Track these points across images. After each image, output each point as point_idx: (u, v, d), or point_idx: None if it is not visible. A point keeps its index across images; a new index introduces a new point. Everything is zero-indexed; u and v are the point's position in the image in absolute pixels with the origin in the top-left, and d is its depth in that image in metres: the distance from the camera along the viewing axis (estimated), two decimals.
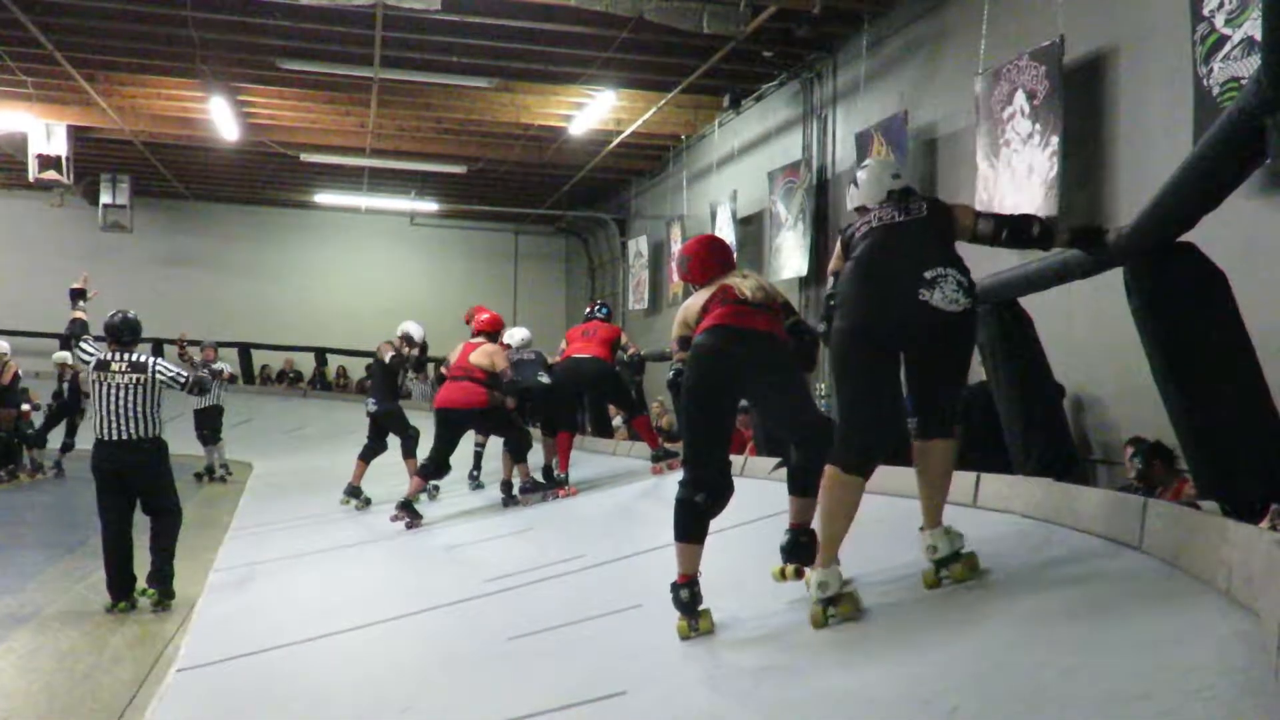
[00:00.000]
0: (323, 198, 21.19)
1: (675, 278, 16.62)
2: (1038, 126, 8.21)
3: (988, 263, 7.83)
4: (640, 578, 5.49)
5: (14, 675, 5.38)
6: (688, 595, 4.15)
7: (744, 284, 4.39)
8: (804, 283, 12.63)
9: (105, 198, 19.79)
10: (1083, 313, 7.73)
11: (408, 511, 8.60)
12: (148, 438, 6.86)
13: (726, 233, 14.43)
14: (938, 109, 10.26)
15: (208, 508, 11.17)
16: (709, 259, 4.62)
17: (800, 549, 4.26)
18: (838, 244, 4.22)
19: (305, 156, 17.44)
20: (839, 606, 3.84)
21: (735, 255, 4.83)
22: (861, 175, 4.29)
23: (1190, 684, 2.43)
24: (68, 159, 15.63)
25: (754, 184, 13.98)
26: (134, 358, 6.93)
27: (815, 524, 4.07)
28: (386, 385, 10.51)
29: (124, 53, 13.41)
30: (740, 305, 4.30)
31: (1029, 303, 5.76)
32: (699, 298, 4.47)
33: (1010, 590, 3.68)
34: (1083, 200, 8.09)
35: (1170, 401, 4.08)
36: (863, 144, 10.95)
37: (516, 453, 8.92)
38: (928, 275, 3.70)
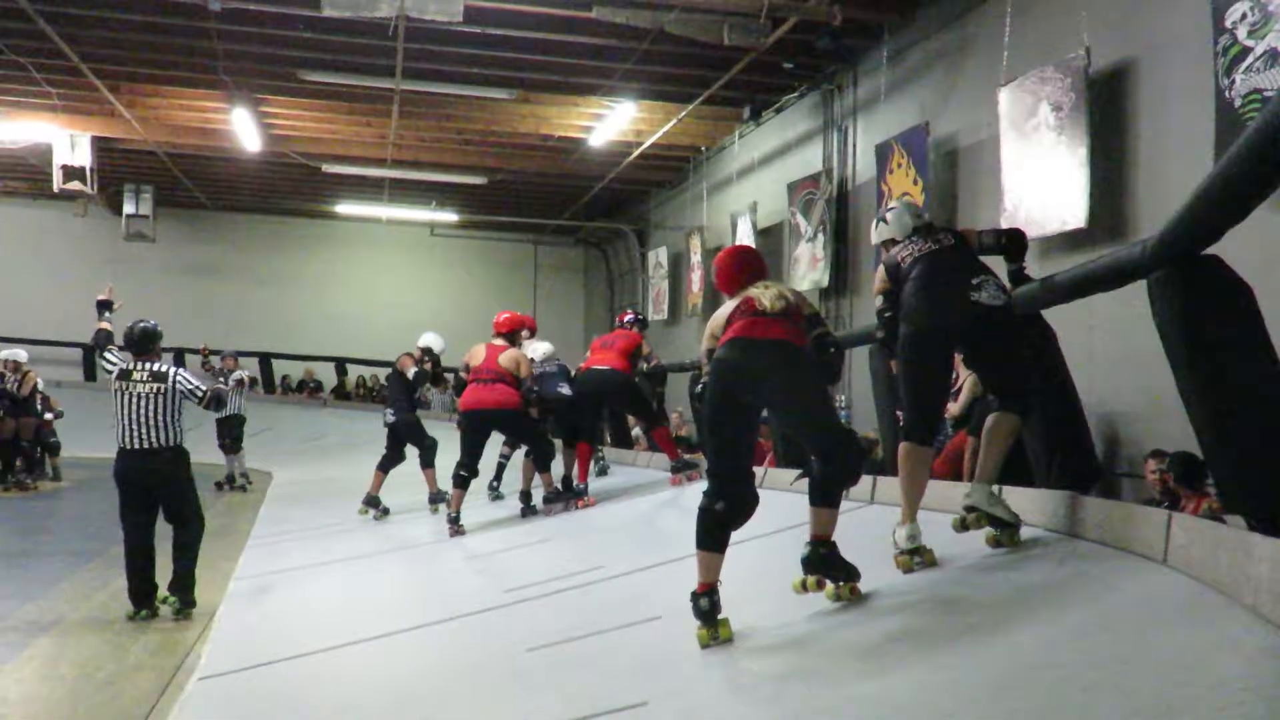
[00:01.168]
0: (343, 208, 21.29)
1: (695, 289, 16.66)
2: (1063, 138, 8.18)
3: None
4: (660, 589, 5.48)
5: (36, 682, 5.41)
6: (707, 604, 4.20)
7: (764, 294, 4.48)
8: (824, 294, 12.62)
9: (128, 208, 19.96)
10: (1104, 326, 7.70)
11: (453, 524, 8.61)
12: (169, 446, 6.94)
13: (746, 243, 14.43)
14: (959, 120, 10.23)
15: (228, 517, 11.21)
16: (735, 270, 4.72)
17: (821, 561, 4.34)
18: (881, 270, 5.02)
19: (326, 167, 17.54)
20: (924, 555, 4.57)
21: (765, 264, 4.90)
22: (890, 215, 5.14)
23: (1217, 699, 2.41)
24: (91, 169, 15.74)
25: (774, 195, 13.98)
26: (155, 367, 7.01)
27: (897, 489, 4.76)
28: (405, 396, 10.57)
29: (147, 64, 13.53)
30: (758, 317, 4.40)
31: (1050, 315, 5.73)
32: (725, 309, 4.57)
33: (1032, 604, 3.66)
34: (1105, 211, 8.05)
35: (1195, 415, 4.05)
36: (883, 155, 10.95)
37: (540, 461, 8.92)
38: (974, 282, 4.57)
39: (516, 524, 8.71)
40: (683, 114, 13.99)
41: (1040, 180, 8.45)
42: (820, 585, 4.39)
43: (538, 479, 9.05)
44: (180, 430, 7.03)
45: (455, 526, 8.57)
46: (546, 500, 8.89)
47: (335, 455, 16.62)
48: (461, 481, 8.73)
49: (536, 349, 9.68)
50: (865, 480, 6.13)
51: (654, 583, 5.71)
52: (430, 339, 10.65)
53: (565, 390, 9.21)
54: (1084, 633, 3.20)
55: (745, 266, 4.74)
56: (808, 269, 12.77)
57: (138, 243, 20.42)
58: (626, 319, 9.85)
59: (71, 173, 15.64)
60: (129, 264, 21.90)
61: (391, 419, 10.47)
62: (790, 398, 4.37)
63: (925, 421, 4.75)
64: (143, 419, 6.87)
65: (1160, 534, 3.52)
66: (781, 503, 6.35)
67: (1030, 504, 4.57)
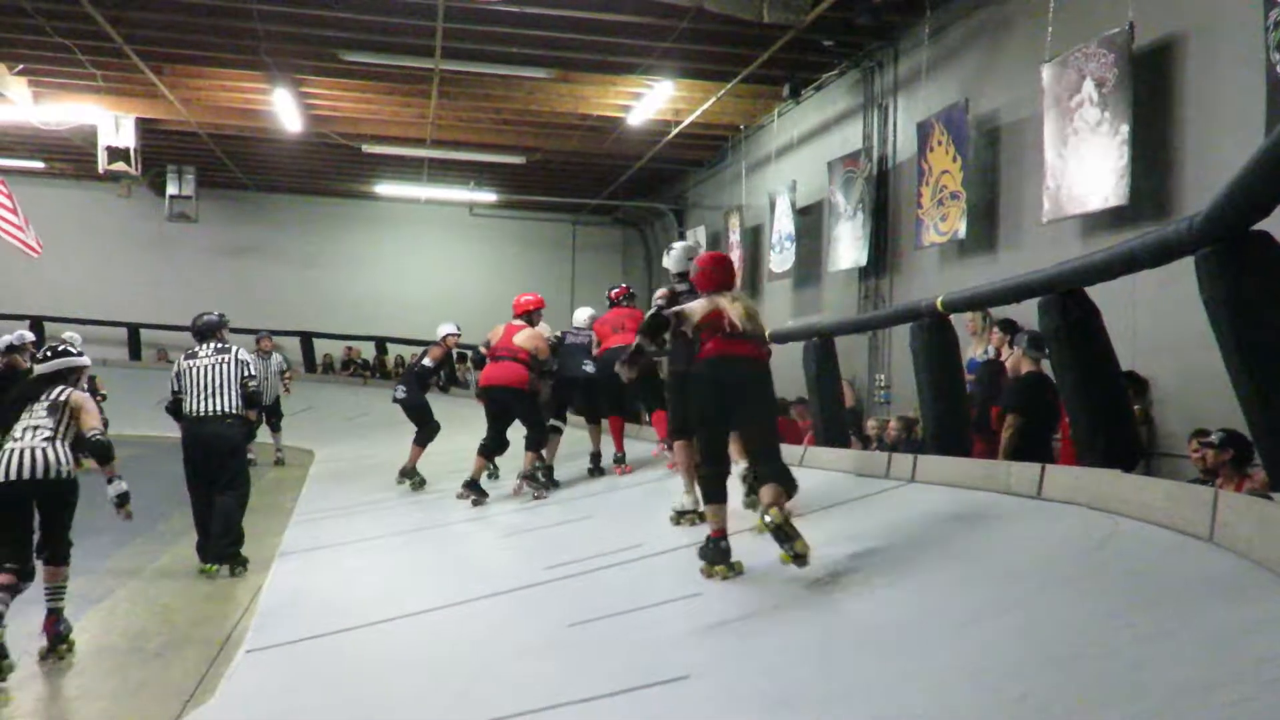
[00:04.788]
0: (383, 188, 21.38)
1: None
2: (1106, 114, 8.09)
3: (1052, 250, 7.76)
4: (698, 567, 5.51)
5: (87, 654, 5.50)
6: (726, 545, 5.21)
7: (733, 311, 5.39)
8: (863, 273, 12.55)
9: (171, 189, 20.10)
10: (1147, 303, 7.63)
11: (473, 490, 8.97)
12: (233, 413, 7.49)
13: (785, 223, 14.39)
14: (1000, 98, 10.14)
15: (271, 494, 11.33)
16: (715, 275, 5.66)
17: (779, 531, 4.86)
18: (665, 291, 7.21)
19: (366, 147, 17.60)
20: (685, 518, 6.63)
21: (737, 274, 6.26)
22: (676, 247, 7.50)
23: (1264, 675, 2.40)
24: (135, 151, 15.86)
25: (813, 174, 13.91)
26: (219, 345, 7.68)
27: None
28: (418, 379, 11.17)
29: (190, 45, 13.62)
30: (731, 338, 5.36)
31: (1093, 292, 5.68)
32: (700, 305, 5.50)
33: (1077, 581, 3.65)
34: (1151, 189, 7.97)
35: (1243, 393, 4.01)
36: (923, 133, 10.86)
37: (531, 442, 9.16)
38: None
39: (555, 503, 8.76)
40: (721, 92, 13.92)
41: (1082, 157, 8.37)
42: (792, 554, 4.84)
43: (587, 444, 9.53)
44: (241, 401, 7.57)
45: (473, 491, 8.99)
46: (521, 476, 9.14)
47: (376, 433, 16.72)
48: (484, 451, 9.25)
49: (578, 315, 10.04)
50: (905, 459, 6.12)
51: (693, 560, 5.73)
52: (450, 326, 11.38)
53: (589, 368, 9.35)
54: (1129, 610, 3.18)
55: (721, 275, 5.66)
56: (847, 248, 12.70)
57: (180, 223, 20.59)
58: (620, 295, 9.76)
59: (116, 154, 15.78)
60: (172, 245, 22.15)
61: (401, 396, 11.01)
62: (755, 407, 5.40)
63: (681, 424, 6.81)
64: (209, 388, 7.43)
65: (1206, 512, 3.50)
66: (825, 482, 6.37)
67: (1074, 482, 4.54)
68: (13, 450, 5.54)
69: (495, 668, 4.58)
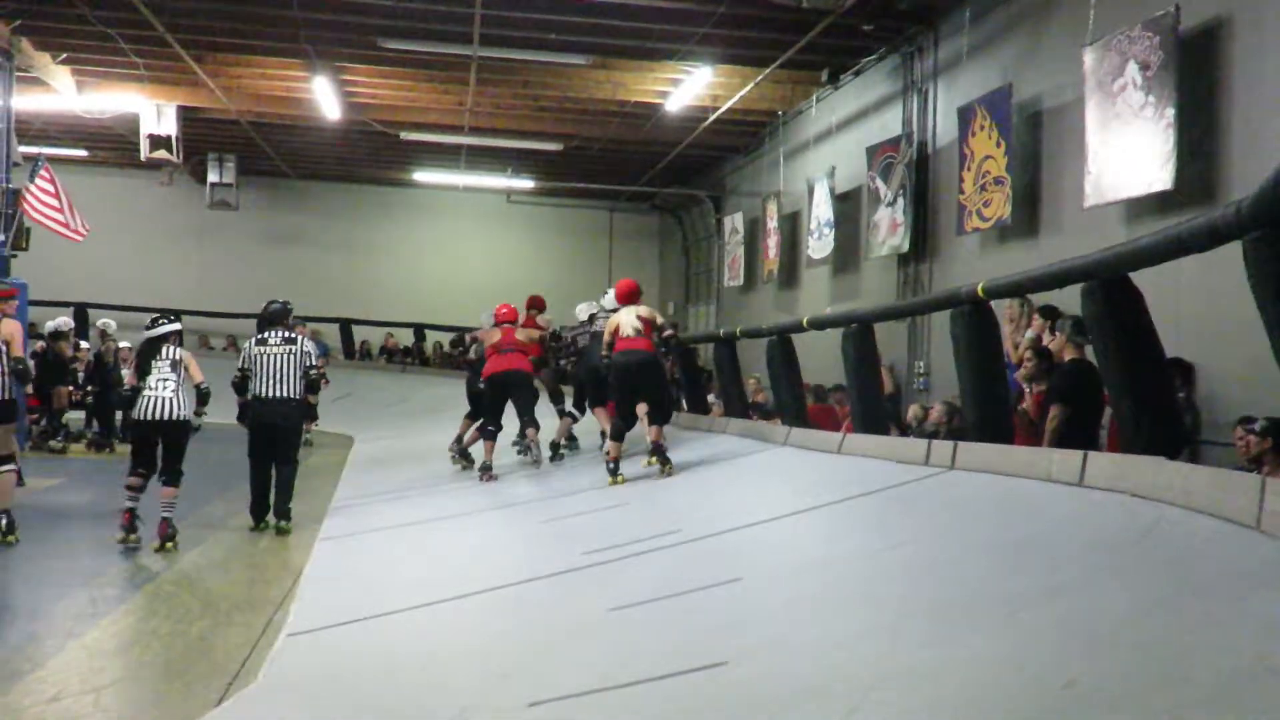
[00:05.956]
0: (421, 176, 21.46)
1: (771, 255, 16.55)
2: (1150, 98, 7.98)
3: (1094, 236, 7.67)
4: (737, 553, 5.51)
5: (131, 636, 5.56)
6: (616, 465, 8.61)
7: (627, 324, 9.00)
8: (902, 259, 12.48)
9: (212, 176, 20.30)
10: (1192, 289, 7.53)
11: (484, 470, 10.17)
12: (295, 398, 8.69)
13: (824, 209, 14.32)
14: (1043, 82, 10.02)
15: (310, 480, 11.40)
16: (628, 295, 9.38)
17: (658, 450, 8.69)
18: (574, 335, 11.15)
19: (405, 135, 17.68)
20: (484, 474, 9.91)
21: (642, 292, 9.66)
22: (582, 306, 11.10)
23: None
24: (177, 138, 16.03)
25: (852, 160, 13.82)
26: (286, 334, 8.80)
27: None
28: None
29: (231, 34, 13.74)
30: (629, 339, 8.92)
31: (1137, 278, 5.61)
32: (614, 318, 9.20)
33: (1122, 569, 3.60)
34: (1196, 173, 7.86)
35: None
36: (965, 118, 10.76)
37: (530, 425, 10.52)
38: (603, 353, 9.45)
39: (592, 490, 8.78)
40: (760, 78, 13.86)
41: (1126, 142, 8.26)
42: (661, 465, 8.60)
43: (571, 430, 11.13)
44: (303, 386, 8.78)
45: (487, 474, 10.05)
46: (554, 445, 10.76)
47: (415, 420, 16.83)
48: (490, 435, 10.37)
49: (583, 310, 11.08)
50: (945, 446, 6.08)
51: (731, 547, 5.73)
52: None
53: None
54: (1174, 598, 3.15)
55: (628, 297, 9.35)
56: (887, 234, 12.62)
57: (221, 211, 20.80)
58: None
59: (158, 142, 15.95)
60: (212, 232, 22.35)
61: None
62: (651, 381, 8.93)
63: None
64: (277, 375, 8.58)
65: (1253, 500, 3.45)
66: (858, 467, 6.34)
67: (1117, 469, 4.50)
68: (149, 397, 7.81)
69: (536, 652, 4.59)
